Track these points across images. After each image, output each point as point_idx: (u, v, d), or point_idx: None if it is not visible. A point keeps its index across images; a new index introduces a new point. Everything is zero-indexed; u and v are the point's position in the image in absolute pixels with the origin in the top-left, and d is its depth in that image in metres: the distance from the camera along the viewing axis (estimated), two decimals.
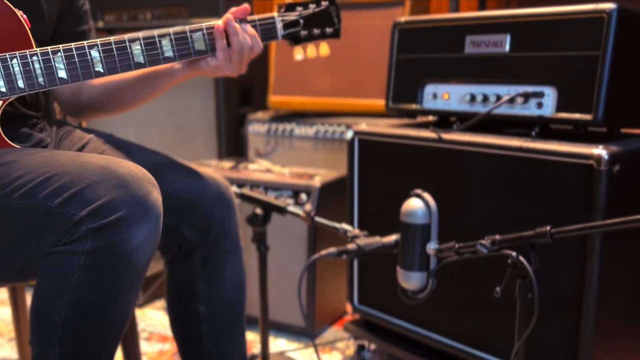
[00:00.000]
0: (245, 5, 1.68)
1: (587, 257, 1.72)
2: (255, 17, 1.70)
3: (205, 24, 1.64)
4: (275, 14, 1.73)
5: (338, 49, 3.06)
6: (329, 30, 1.80)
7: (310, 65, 3.14)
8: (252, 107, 3.54)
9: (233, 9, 1.68)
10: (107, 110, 1.87)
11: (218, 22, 1.64)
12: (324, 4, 1.79)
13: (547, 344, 1.84)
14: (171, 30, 1.60)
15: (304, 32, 1.76)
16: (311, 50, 1.81)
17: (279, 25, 1.73)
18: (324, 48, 1.83)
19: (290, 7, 1.76)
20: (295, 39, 1.77)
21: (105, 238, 1.27)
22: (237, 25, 1.64)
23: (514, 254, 1.48)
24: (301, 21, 1.75)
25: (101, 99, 1.82)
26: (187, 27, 1.62)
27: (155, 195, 1.36)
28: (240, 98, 3.47)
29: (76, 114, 1.91)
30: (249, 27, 1.66)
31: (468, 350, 2.05)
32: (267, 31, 1.72)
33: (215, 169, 2.81)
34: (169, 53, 1.60)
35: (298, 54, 1.81)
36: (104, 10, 3.50)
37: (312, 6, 1.77)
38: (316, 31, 1.78)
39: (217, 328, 1.83)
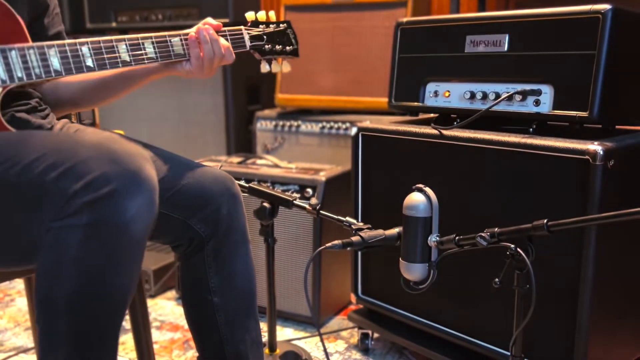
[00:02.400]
0: (218, 24, 1.80)
1: (583, 249, 1.72)
2: (226, 29, 1.83)
3: (183, 31, 1.75)
4: (242, 27, 1.88)
5: (342, 48, 3.07)
6: (289, 48, 1.97)
7: (315, 64, 3.15)
8: (260, 104, 3.54)
9: (209, 19, 1.79)
10: (83, 105, 1.93)
11: (192, 32, 1.74)
12: (282, 26, 1.97)
13: (544, 333, 1.84)
14: (152, 34, 1.69)
15: (267, 46, 1.93)
16: (275, 65, 1.97)
17: (246, 37, 1.88)
18: (286, 66, 1.99)
19: (254, 24, 1.92)
20: (260, 52, 1.92)
21: (100, 211, 1.27)
22: (207, 35, 1.74)
23: (512, 246, 1.48)
24: (265, 36, 1.92)
25: (78, 95, 1.88)
26: (166, 33, 1.71)
27: (148, 168, 1.36)
28: (248, 96, 3.47)
29: (54, 108, 1.92)
30: (222, 40, 1.77)
31: (468, 339, 2.05)
32: (236, 41, 1.85)
33: (224, 164, 2.81)
34: (151, 54, 1.69)
35: (263, 67, 1.97)
36: (117, 11, 3.51)
37: (272, 26, 1.94)
38: (278, 47, 1.95)
39: (231, 317, 1.84)
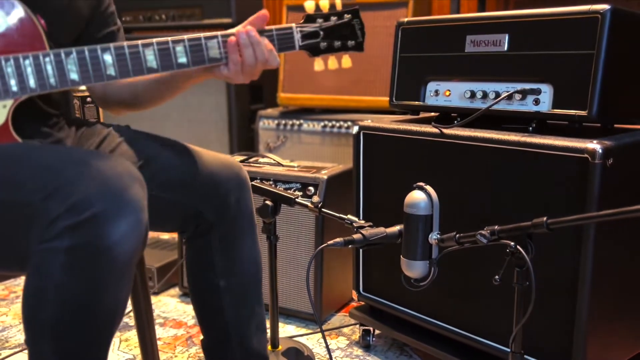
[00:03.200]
0: (264, 12, 1.62)
1: (582, 246, 1.72)
2: (273, 27, 1.64)
3: (221, 32, 1.59)
4: (293, 24, 1.65)
5: None
6: (351, 43, 1.72)
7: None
8: (263, 103, 3.55)
9: (252, 18, 1.62)
10: (130, 107, 1.88)
11: (232, 35, 1.59)
12: (347, 17, 1.70)
13: (543, 329, 1.84)
14: (186, 36, 1.55)
15: (323, 44, 1.69)
16: (332, 62, 1.73)
17: (297, 36, 1.65)
18: (346, 60, 1.75)
19: (310, 19, 1.68)
20: (314, 50, 1.69)
21: (82, 235, 1.23)
22: (247, 38, 1.58)
23: (512, 243, 1.48)
24: (321, 33, 1.67)
25: (124, 96, 1.83)
26: (202, 35, 1.56)
27: (135, 189, 1.31)
28: (251, 95, 3.48)
29: (104, 106, 1.91)
30: (266, 41, 1.60)
31: (468, 335, 2.06)
32: (284, 41, 1.65)
33: None
34: (182, 59, 1.55)
35: (317, 65, 1.73)
36: (121, 11, 3.51)
37: (333, 18, 1.69)
38: (337, 43, 1.70)
39: (236, 300, 1.84)
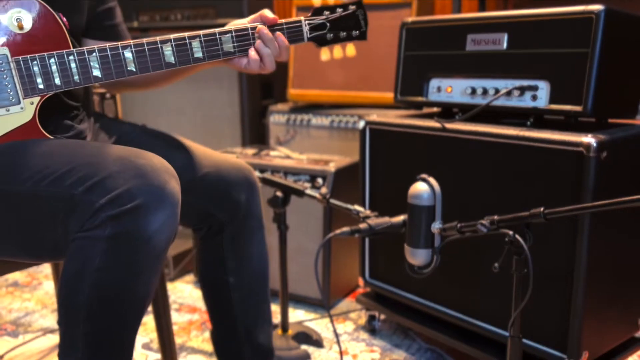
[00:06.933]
0: (275, 17, 1.65)
1: (578, 235, 1.73)
2: (283, 20, 1.66)
3: (234, 27, 1.61)
4: (302, 18, 1.67)
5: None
6: (355, 32, 1.72)
7: (326, 61, 3.15)
8: (273, 99, 3.55)
9: (266, 12, 1.65)
10: (138, 87, 1.88)
11: (260, 25, 1.62)
12: (352, 8, 1.71)
13: (541, 314, 1.85)
14: (201, 32, 1.57)
15: (330, 35, 1.70)
16: (337, 51, 1.76)
17: (306, 29, 1.67)
18: (351, 49, 1.76)
19: (317, 12, 1.70)
20: (321, 42, 1.71)
21: (124, 224, 1.27)
22: (277, 33, 1.63)
23: (510, 232, 1.49)
24: (328, 24, 1.69)
25: (133, 78, 1.83)
26: (216, 30, 1.59)
27: (173, 184, 1.35)
28: (262, 91, 3.48)
29: (110, 88, 1.91)
30: (281, 37, 1.63)
31: (469, 320, 2.06)
32: (293, 34, 1.67)
33: (239, 156, 2.82)
34: (198, 54, 1.57)
35: (324, 54, 1.76)
36: (139, 11, 3.52)
37: (339, 10, 1.70)
38: (342, 34, 1.71)
39: (245, 297, 1.86)
